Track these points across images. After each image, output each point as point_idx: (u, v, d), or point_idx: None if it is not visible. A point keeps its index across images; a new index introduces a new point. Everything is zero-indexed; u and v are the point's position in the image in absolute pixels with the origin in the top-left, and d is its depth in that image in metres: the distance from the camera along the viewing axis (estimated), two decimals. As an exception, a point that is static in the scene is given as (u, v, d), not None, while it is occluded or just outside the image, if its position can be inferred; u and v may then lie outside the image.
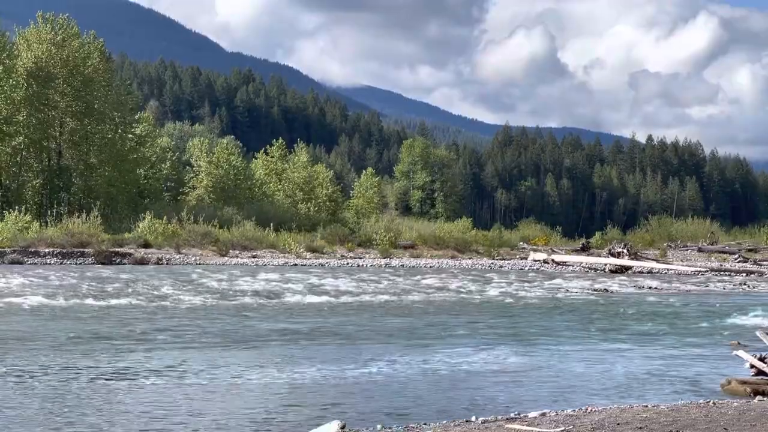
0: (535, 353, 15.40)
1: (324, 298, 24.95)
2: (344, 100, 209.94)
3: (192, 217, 45.95)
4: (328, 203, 65.22)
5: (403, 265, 42.20)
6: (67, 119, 52.89)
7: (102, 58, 54.78)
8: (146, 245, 41.86)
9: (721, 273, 41.66)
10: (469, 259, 47.64)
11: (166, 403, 10.65)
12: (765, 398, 11.07)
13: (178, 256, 40.50)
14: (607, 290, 31.08)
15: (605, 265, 42.11)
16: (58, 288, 25.44)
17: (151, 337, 16.32)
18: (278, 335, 17.15)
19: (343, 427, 7.75)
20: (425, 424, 9.28)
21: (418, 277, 34.25)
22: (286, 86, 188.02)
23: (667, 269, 42.46)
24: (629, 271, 41.38)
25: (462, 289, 29.46)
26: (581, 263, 43.54)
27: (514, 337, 17.57)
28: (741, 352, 12.86)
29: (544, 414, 9.47)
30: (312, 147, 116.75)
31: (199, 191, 62.77)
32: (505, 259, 47.79)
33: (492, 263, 44.91)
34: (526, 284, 32.41)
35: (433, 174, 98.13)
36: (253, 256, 42.49)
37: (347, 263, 42.28)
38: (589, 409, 9.90)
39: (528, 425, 8.77)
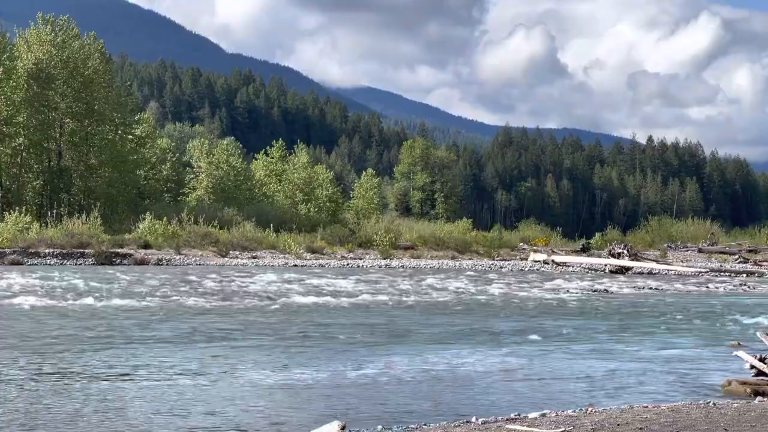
0: (534, 353, 15.40)
1: (324, 299, 24.94)
2: (344, 101, 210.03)
3: (192, 218, 45.96)
4: (328, 204, 65.26)
5: (403, 266, 42.20)
6: (68, 120, 52.92)
7: (102, 59, 54.83)
8: (146, 246, 41.89)
9: (721, 274, 41.66)
10: (469, 259, 47.64)
11: (165, 403, 10.65)
12: (765, 399, 11.06)
13: (178, 257, 40.52)
14: (607, 291, 31.08)
15: (605, 265, 42.11)
16: (58, 289, 25.45)
17: (151, 338, 16.33)
18: (278, 335, 17.15)
19: (343, 428, 7.75)
20: (425, 424, 9.28)
21: (418, 277, 34.25)
22: (286, 87, 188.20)
23: (667, 270, 42.44)
24: (629, 272, 41.38)
25: (462, 290, 29.46)
26: (581, 264, 43.54)
27: (514, 338, 17.57)
28: (741, 353, 12.86)
29: (544, 414, 9.47)
30: (312, 148, 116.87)
31: (199, 192, 62.81)
32: (505, 260, 47.78)
33: (492, 264, 44.90)
34: (526, 285, 32.40)
35: (433, 175, 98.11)
36: (254, 257, 42.50)
37: (347, 264, 42.28)
38: (589, 409, 9.90)
39: (528, 426, 8.77)
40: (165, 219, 44.64)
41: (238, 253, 43.13)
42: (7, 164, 51.53)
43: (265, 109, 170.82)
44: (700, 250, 55.13)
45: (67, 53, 52.28)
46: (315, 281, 30.50)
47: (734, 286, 34.72)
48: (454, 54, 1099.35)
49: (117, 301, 22.73)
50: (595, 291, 30.83)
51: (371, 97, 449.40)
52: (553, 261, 44.14)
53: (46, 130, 52.42)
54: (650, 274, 41.26)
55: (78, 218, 43.42)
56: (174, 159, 65.59)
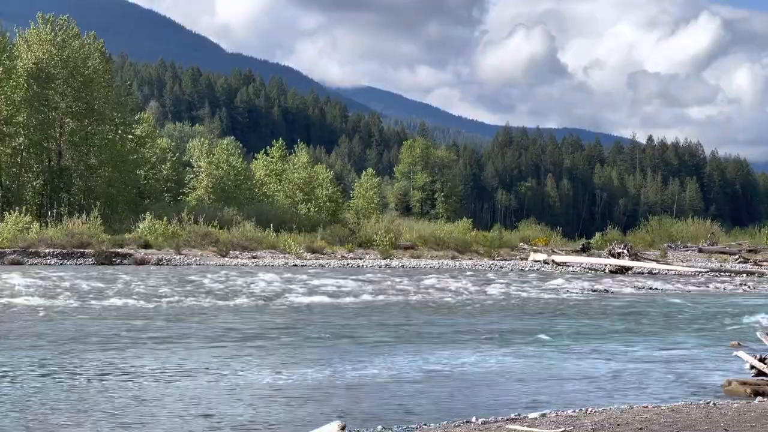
0: (534, 354, 15.40)
1: (324, 299, 24.95)
2: (344, 101, 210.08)
3: (192, 218, 45.93)
4: (328, 204, 65.23)
5: (403, 266, 42.18)
6: (68, 120, 52.89)
7: (102, 58, 54.81)
8: (146, 246, 41.86)
9: (722, 274, 41.65)
10: (469, 259, 47.63)
11: (165, 404, 10.65)
12: (765, 399, 11.07)
13: (178, 257, 40.50)
14: (607, 291, 31.07)
15: (605, 265, 42.09)
16: (59, 288, 25.44)
17: (151, 338, 16.33)
18: (278, 336, 17.15)
19: (343, 428, 7.75)
20: (425, 424, 9.28)
21: (418, 277, 34.24)
22: (286, 87, 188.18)
23: (667, 270, 42.43)
24: (629, 272, 41.36)
25: (462, 290, 29.45)
26: (581, 264, 43.52)
27: (514, 338, 17.57)
28: (741, 353, 12.86)
29: (544, 415, 9.47)
30: (312, 148, 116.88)
31: (199, 192, 62.79)
32: (505, 260, 47.76)
33: (492, 264, 44.89)
34: (526, 285, 32.40)
35: (433, 175, 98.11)
36: (254, 257, 42.48)
37: (347, 264, 42.27)
38: (589, 409, 9.90)
39: (528, 426, 8.77)
40: (165, 219, 44.61)
41: (238, 253, 43.12)
42: (7, 164, 51.51)
43: (265, 108, 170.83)
44: (700, 250, 55.12)
45: (67, 53, 52.25)
46: (315, 281, 30.48)
47: (734, 286, 34.71)
48: (454, 54, 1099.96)
49: (117, 301, 22.73)
50: (595, 291, 30.82)
51: (371, 97, 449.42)
52: (553, 261, 44.12)
53: (46, 130, 52.39)
54: (650, 274, 41.25)
55: (78, 218, 43.38)
56: (174, 159, 65.57)
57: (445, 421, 9.38)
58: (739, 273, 42.04)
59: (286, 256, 43.46)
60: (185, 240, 43.18)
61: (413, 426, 9.19)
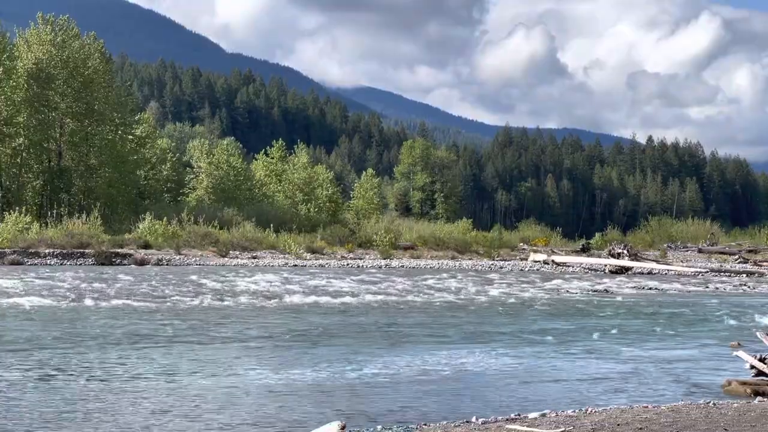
0: (534, 354, 15.40)
1: (324, 299, 24.94)
2: (344, 101, 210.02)
3: (192, 218, 45.94)
4: (328, 204, 65.21)
5: (403, 266, 42.19)
6: (68, 120, 52.91)
7: (102, 59, 54.83)
8: (146, 246, 41.87)
9: (721, 274, 41.66)
10: (469, 260, 47.64)
11: (166, 404, 10.65)
12: (765, 399, 11.07)
13: (178, 257, 40.51)
14: (606, 291, 31.08)
15: (605, 266, 42.12)
16: (59, 289, 25.44)
17: (151, 338, 16.33)
18: (278, 336, 17.15)
19: (343, 428, 7.75)
20: (425, 424, 9.28)
21: (418, 277, 34.25)
22: (286, 87, 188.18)
23: (667, 270, 42.45)
24: (629, 272, 41.38)
25: (462, 290, 29.46)
26: (581, 264, 43.54)
27: (514, 338, 17.58)
28: (741, 353, 12.85)
29: (544, 415, 9.47)
30: (312, 148, 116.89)
31: (199, 192, 62.79)
32: (505, 260, 47.77)
33: (492, 264, 44.90)
34: (526, 285, 32.40)
35: (433, 175, 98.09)
36: (253, 257, 42.49)
37: (347, 264, 42.27)
38: (589, 409, 9.91)
39: (528, 426, 8.77)
40: (165, 219, 44.62)
41: (238, 253, 43.12)
42: (7, 164, 51.51)
43: (265, 109, 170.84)
44: (700, 251, 55.13)
45: (67, 53, 52.27)
46: (315, 281, 30.50)
47: (734, 286, 34.72)
48: (454, 54, 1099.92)
49: (117, 302, 22.72)
50: (595, 291, 30.83)
51: (371, 97, 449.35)
52: (553, 261, 44.12)
53: (46, 130, 52.40)
54: (650, 274, 41.25)
55: (78, 218, 43.38)
56: (174, 159, 65.57)
57: (445, 421, 9.38)
58: (739, 273, 42.05)
59: (286, 256, 43.47)
60: (185, 240, 43.19)
61: (413, 426, 9.18)
